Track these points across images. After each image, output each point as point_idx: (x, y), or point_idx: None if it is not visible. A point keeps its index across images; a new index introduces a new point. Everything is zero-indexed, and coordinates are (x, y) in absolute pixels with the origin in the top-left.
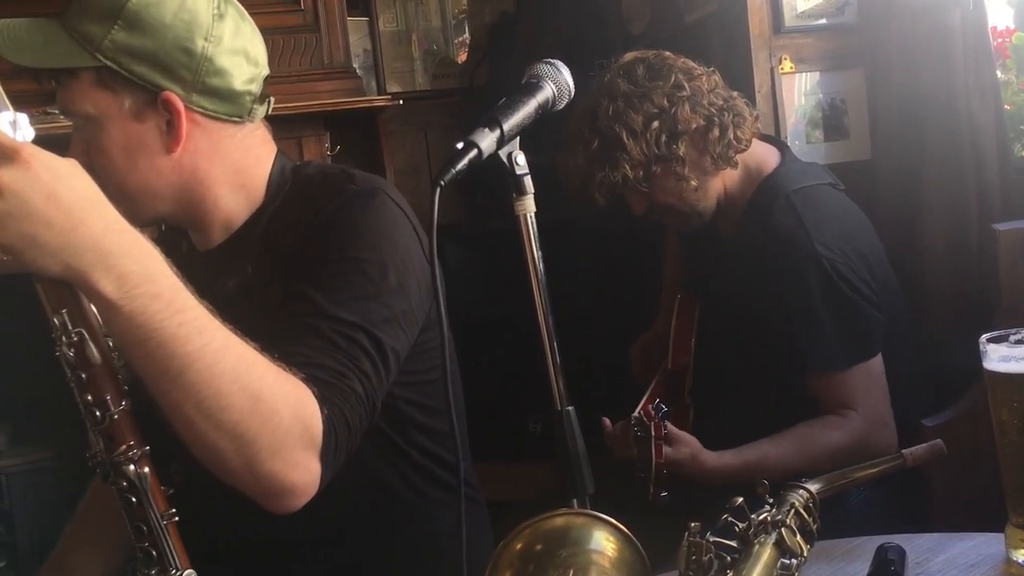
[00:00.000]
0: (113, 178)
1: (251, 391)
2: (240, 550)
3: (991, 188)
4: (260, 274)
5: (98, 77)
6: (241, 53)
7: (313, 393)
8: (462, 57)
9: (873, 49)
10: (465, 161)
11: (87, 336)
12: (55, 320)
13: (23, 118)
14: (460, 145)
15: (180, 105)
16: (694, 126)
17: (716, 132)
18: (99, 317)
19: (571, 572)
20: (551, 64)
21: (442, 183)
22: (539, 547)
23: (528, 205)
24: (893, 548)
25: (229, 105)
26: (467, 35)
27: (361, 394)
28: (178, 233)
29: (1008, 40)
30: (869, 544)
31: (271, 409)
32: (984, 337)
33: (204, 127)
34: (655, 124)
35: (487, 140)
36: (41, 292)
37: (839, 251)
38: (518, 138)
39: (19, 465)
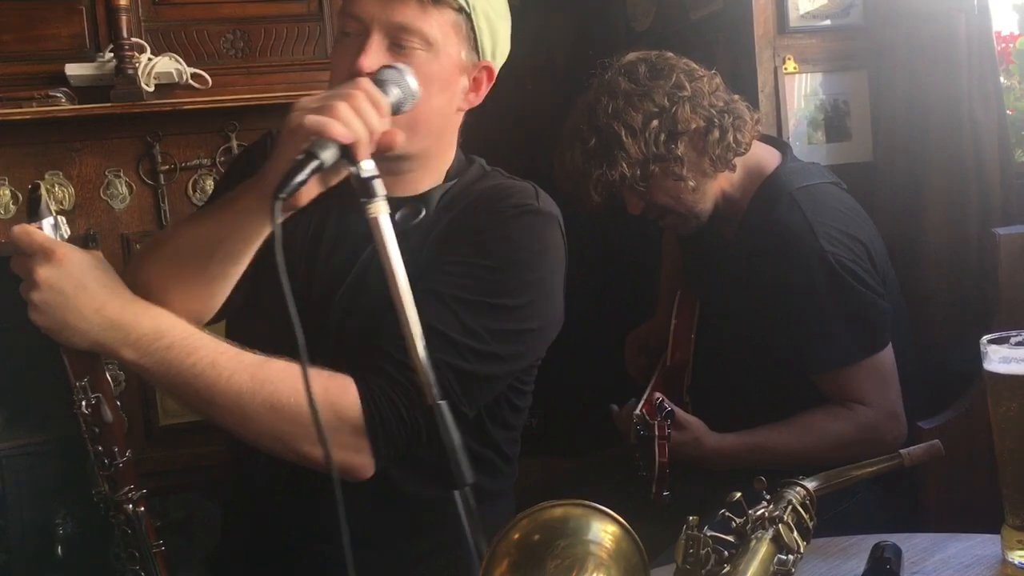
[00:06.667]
0: (415, 103)
1: (269, 403)
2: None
3: (992, 192)
4: (429, 233)
5: (456, 20)
6: None
7: (356, 383)
8: None
9: (877, 51)
10: (306, 173)
11: (103, 399)
12: (77, 384)
13: (62, 220)
14: (300, 156)
15: (495, 77)
16: (694, 127)
17: (716, 134)
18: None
19: (568, 563)
20: (395, 68)
21: (282, 196)
22: (536, 537)
23: (379, 208)
24: (889, 547)
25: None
26: None
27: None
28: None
29: (1012, 45)
30: (865, 542)
31: (293, 410)
32: (985, 338)
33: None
34: (654, 123)
35: (329, 150)
36: (67, 361)
37: (844, 246)
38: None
39: (12, 449)
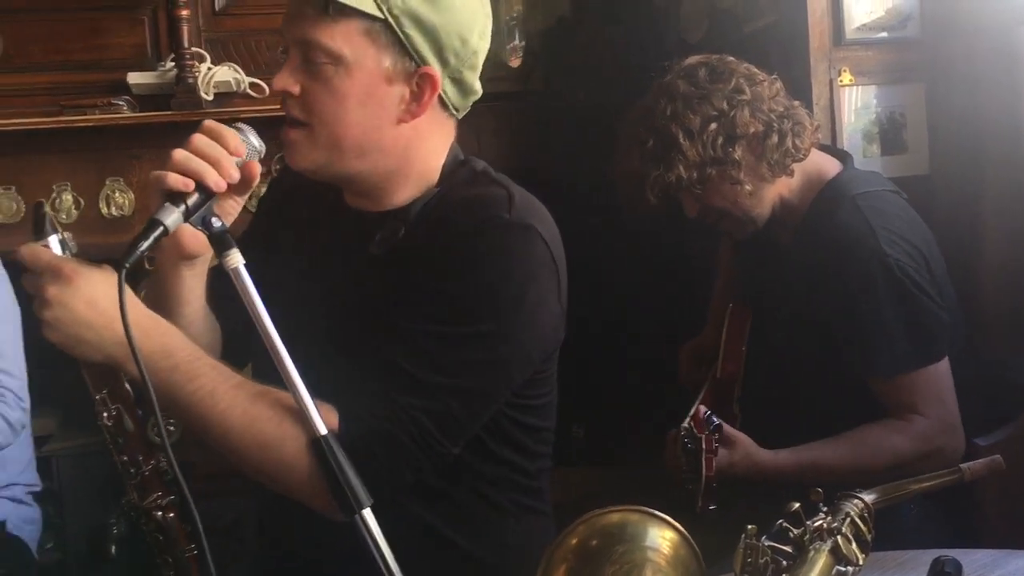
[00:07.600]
0: (332, 121)
1: (257, 441)
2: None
3: None
4: (404, 254)
5: (370, 28)
6: (485, 56)
7: (340, 423)
8: (515, 62)
9: (934, 64)
10: (151, 240)
11: (124, 410)
12: (97, 397)
13: (69, 236)
14: (144, 226)
15: (438, 83)
16: (752, 131)
17: (774, 139)
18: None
19: (626, 569)
20: (238, 128)
21: (127, 265)
22: (594, 543)
23: (236, 259)
24: (950, 561)
25: (462, 100)
26: (519, 40)
27: (407, 443)
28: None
29: None
30: (923, 557)
31: (278, 449)
32: None
33: (434, 111)
34: (712, 126)
35: (172, 216)
36: (86, 375)
37: (905, 252)
38: (212, 200)
39: (68, 448)
